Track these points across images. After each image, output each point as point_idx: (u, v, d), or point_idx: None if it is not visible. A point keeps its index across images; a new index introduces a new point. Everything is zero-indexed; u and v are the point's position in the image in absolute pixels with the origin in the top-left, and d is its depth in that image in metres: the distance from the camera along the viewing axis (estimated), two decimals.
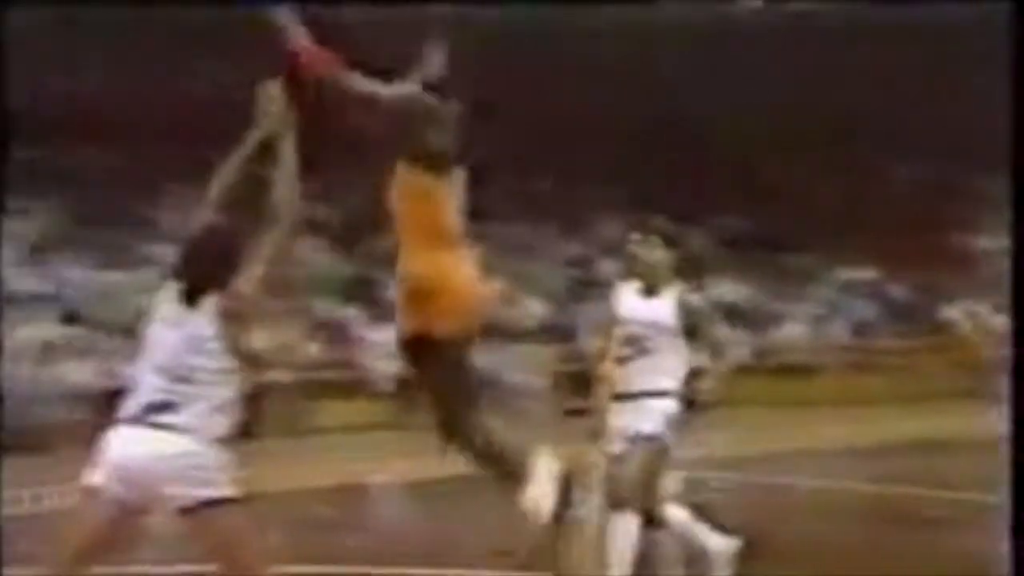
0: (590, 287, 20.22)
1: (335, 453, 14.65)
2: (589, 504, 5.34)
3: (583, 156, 23.92)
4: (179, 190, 17.51)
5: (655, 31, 22.83)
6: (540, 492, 4.76)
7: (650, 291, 6.11)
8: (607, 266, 22.80)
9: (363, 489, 12.93)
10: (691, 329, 6.04)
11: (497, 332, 19.33)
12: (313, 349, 18.52)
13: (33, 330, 16.48)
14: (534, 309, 20.82)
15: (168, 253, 5.08)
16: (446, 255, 4.63)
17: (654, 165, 24.26)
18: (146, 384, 4.36)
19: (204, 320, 4.37)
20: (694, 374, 6.12)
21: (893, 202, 26.12)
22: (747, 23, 23.89)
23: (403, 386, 15.56)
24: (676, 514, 6.31)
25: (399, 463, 13.26)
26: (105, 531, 4.33)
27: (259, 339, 15.55)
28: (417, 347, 4.70)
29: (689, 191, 24.52)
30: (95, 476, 4.33)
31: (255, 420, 15.97)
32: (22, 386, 15.22)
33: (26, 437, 13.97)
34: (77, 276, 18.18)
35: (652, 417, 5.92)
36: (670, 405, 5.96)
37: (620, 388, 6.02)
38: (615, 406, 6.04)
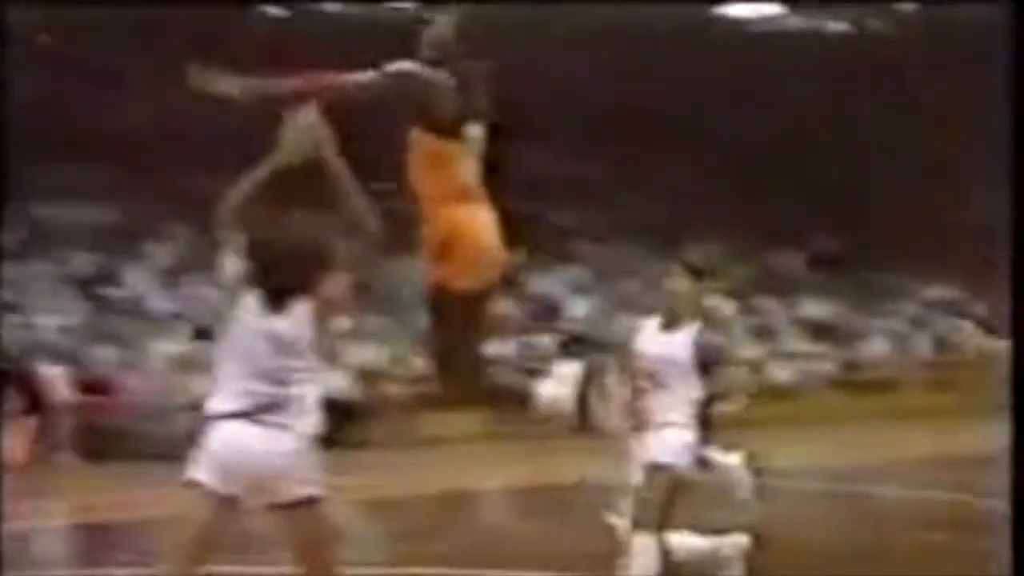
0: None
1: (442, 463, 14.73)
2: (608, 407, 5.00)
3: (677, 176, 23.85)
4: (303, 215, 17.75)
5: (748, 49, 22.66)
6: (556, 390, 4.63)
7: (671, 324, 5.96)
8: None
9: (467, 496, 12.98)
10: (705, 366, 5.85)
11: (590, 345, 19.34)
12: (421, 363, 18.64)
13: (167, 345, 16.84)
14: (629, 325, 20.74)
15: None
16: (463, 211, 4.51)
17: (746, 185, 24.11)
18: (241, 385, 4.30)
19: (291, 323, 4.34)
20: (710, 401, 5.94)
21: (977, 222, 25.63)
22: (837, 44, 23.67)
23: (508, 399, 15.58)
24: (681, 540, 6.13)
25: (502, 472, 13.31)
26: (212, 527, 4.28)
27: (372, 354, 15.68)
28: (437, 298, 4.62)
29: (779, 211, 24.34)
30: (198, 472, 4.28)
31: (369, 431, 16.18)
32: (157, 397, 15.57)
33: (159, 445, 14.27)
34: (208, 295, 18.52)
35: (667, 448, 5.79)
36: (684, 436, 5.82)
37: (638, 418, 5.87)
38: (634, 435, 5.89)
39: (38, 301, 17.21)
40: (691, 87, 22.53)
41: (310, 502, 4.30)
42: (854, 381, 22.04)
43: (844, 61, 23.15)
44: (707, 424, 5.96)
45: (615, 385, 4.66)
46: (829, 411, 20.07)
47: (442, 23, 4.62)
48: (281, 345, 4.32)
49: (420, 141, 4.51)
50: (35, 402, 5.69)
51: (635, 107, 22.53)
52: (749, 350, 22.34)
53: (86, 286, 18.08)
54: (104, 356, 16.65)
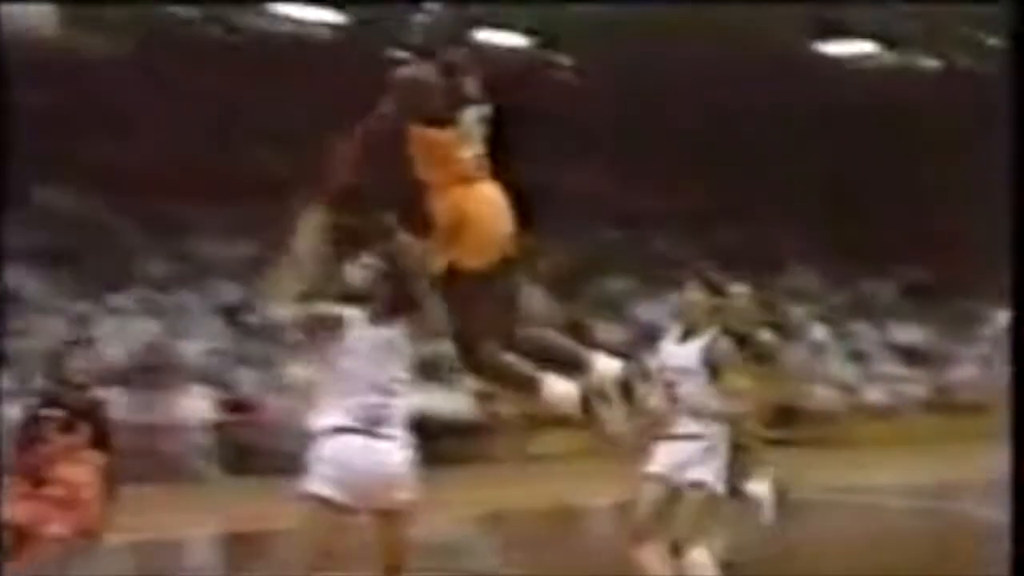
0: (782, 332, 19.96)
1: (552, 479, 14.80)
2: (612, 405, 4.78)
3: (775, 206, 23.69)
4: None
5: (844, 85, 22.42)
6: (563, 386, 4.35)
7: (687, 334, 5.83)
8: (796, 312, 22.54)
9: (575, 511, 13.04)
10: (714, 373, 5.72)
11: None
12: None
13: (302, 368, 17.22)
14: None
15: None
16: (467, 192, 4.36)
17: (841, 216, 23.87)
18: (350, 399, 4.41)
19: (396, 337, 4.51)
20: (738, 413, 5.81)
21: None
22: (931, 81, 23.34)
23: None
24: (649, 557, 5.82)
25: (608, 488, 13.32)
26: (330, 538, 4.35)
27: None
28: (451, 281, 4.44)
29: (872, 241, 24.06)
30: (314, 484, 4.37)
31: (484, 448, 16.35)
32: (293, 417, 15.95)
33: (296, 461, 14.63)
34: None
35: (691, 463, 5.66)
36: (703, 447, 5.68)
37: (661, 429, 5.77)
38: (657, 445, 5.79)
39: (187, 328, 17.77)
40: (788, 121, 22.40)
41: (408, 507, 4.41)
42: (945, 403, 21.68)
43: (937, 98, 22.81)
44: (737, 446, 5.79)
45: (616, 391, 4.27)
46: (921, 432, 19.76)
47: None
48: (388, 356, 4.46)
49: (418, 135, 4.39)
50: (102, 435, 5.73)
51: (735, 139, 22.47)
52: (845, 372, 22.14)
53: (231, 314, 18.59)
54: (247, 378, 17.11)
